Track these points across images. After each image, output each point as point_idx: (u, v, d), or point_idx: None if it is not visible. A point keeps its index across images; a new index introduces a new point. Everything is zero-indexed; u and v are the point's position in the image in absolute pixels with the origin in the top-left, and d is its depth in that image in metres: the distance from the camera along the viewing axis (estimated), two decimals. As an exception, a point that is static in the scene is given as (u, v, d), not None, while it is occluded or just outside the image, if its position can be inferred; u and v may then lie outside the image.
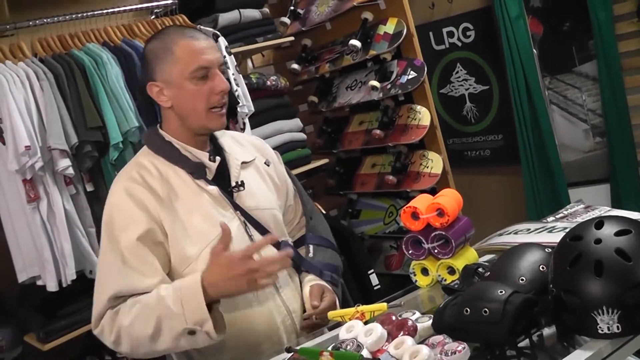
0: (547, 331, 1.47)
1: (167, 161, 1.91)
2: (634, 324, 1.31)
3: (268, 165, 2.12)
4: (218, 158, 1.94)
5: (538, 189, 4.14)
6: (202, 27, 3.33)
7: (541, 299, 1.41)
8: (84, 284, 2.89)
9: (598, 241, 1.35)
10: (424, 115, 3.54)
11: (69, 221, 2.81)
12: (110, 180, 2.89)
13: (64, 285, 2.81)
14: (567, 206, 2.24)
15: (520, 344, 1.40)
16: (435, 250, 1.88)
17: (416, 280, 1.97)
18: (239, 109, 3.23)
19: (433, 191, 3.41)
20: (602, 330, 1.31)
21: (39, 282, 2.82)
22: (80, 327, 2.94)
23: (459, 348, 1.37)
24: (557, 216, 2.15)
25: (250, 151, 2.10)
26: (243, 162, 2.02)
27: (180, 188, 1.88)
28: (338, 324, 1.76)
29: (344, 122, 4.15)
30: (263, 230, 1.95)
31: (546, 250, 1.56)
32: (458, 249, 1.87)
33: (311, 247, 2.15)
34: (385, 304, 1.73)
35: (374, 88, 3.61)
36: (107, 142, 2.85)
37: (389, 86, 3.60)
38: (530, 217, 4.04)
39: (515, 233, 2.06)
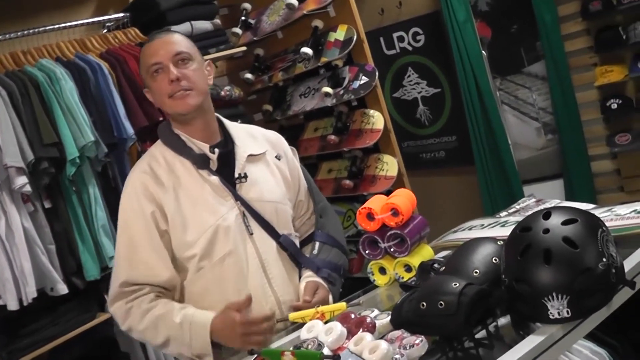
0: (503, 321, 1.51)
1: (174, 152, 2.03)
2: (582, 308, 1.36)
3: (279, 160, 2.20)
4: (217, 150, 2.02)
5: (493, 188, 4.20)
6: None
7: (495, 289, 1.45)
8: (45, 302, 2.87)
9: (546, 231, 1.40)
10: (377, 119, 3.57)
11: (28, 239, 2.80)
12: (69, 195, 2.90)
13: (25, 304, 2.79)
14: (519, 201, 2.29)
15: (478, 335, 1.43)
16: (392, 249, 1.91)
17: (374, 280, 2.01)
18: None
19: (389, 193, 3.41)
20: (553, 316, 1.35)
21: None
22: (43, 346, 2.91)
23: (417, 341, 1.41)
24: (509, 211, 2.21)
25: (262, 145, 2.18)
26: (250, 155, 2.10)
27: (184, 178, 2.01)
28: (300, 326, 1.78)
29: (299, 129, 4.16)
30: (262, 222, 2.04)
31: (498, 243, 1.60)
32: (414, 247, 1.91)
33: (317, 244, 2.20)
34: (344, 303, 1.77)
35: (327, 94, 3.64)
36: (63, 157, 2.85)
37: (341, 92, 3.63)
38: (486, 214, 4.01)
39: (470, 229, 2.11)
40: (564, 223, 1.41)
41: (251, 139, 2.17)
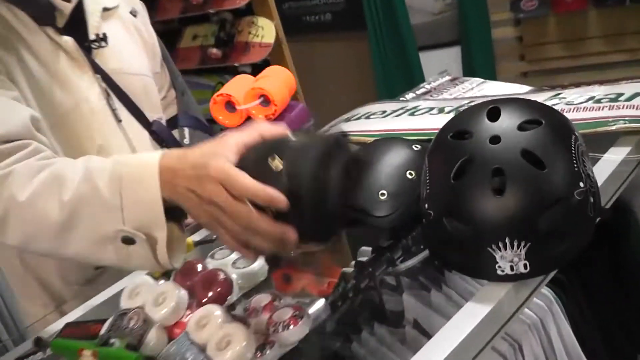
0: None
1: None
2: (546, 260, 0.92)
3: (135, 17, 1.67)
4: None
5: (386, 55, 4.05)
6: None
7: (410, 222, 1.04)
8: None
9: (495, 139, 0.93)
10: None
11: None
12: None
13: None
14: (430, 79, 1.83)
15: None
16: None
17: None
18: None
19: (266, 64, 3.02)
20: (503, 271, 0.91)
21: None
22: None
23: (295, 318, 0.91)
24: (417, 92, 1.73)
25: None
26: (105, 8, 1.53)
27: (27, 36, 1.37)
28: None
29: (174, 35, 3.67)
30: (130, 104, 1.52)
31: (414, 147, 1.13)
32: (292, 148, 1.40)
33: (186, 131, 1.75)
34: (191, 241, 1.22)
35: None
36: None
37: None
38: (378, 86, 3.96)
39: (367, 117, 1.62)
40: (522, 127, 0.93)
41: None
